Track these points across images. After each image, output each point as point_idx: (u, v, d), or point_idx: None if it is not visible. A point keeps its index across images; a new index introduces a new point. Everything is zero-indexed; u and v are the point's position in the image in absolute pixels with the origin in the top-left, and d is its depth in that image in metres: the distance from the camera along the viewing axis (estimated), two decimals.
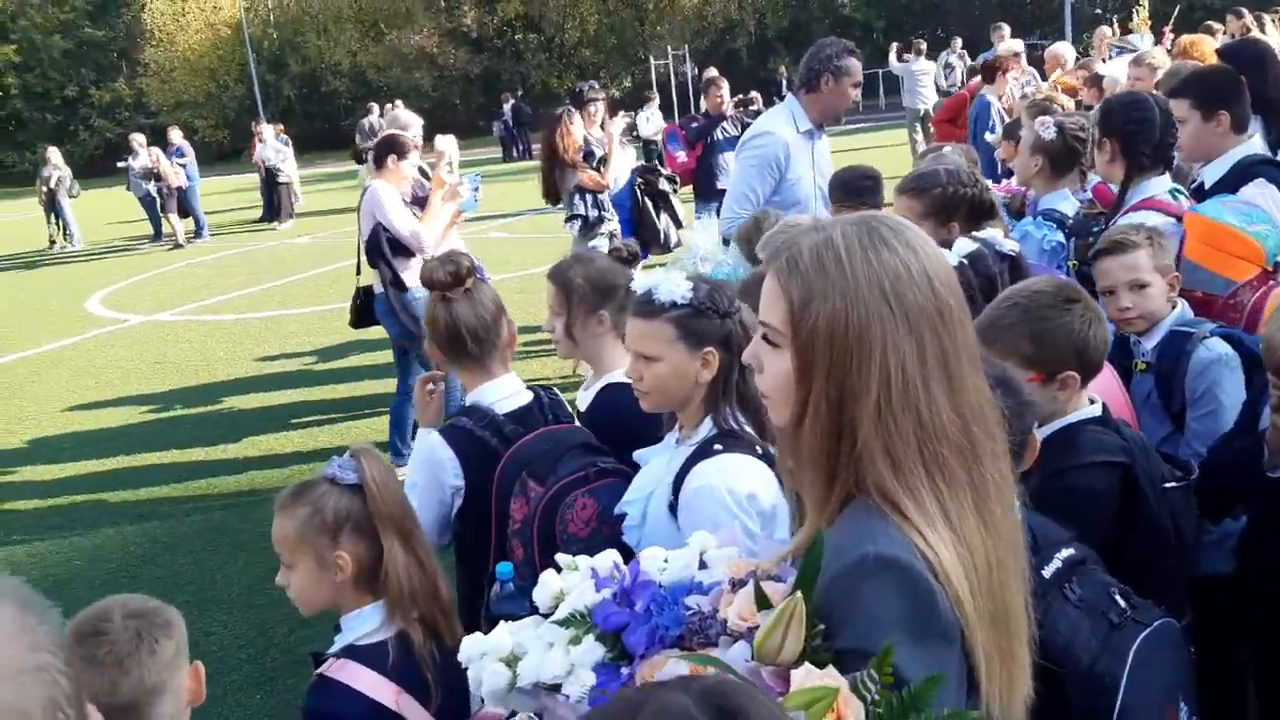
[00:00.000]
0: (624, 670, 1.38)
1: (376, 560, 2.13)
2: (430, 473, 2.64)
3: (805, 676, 1.15)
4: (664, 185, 7.47)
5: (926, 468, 1.23)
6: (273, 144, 19.53)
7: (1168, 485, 2.23)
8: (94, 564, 5.48)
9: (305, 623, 4.54)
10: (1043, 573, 1.85)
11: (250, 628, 4.65)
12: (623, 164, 7.45)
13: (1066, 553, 1.91)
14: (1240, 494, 2.48)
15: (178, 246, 17.79)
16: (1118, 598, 1.90)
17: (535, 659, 1.48)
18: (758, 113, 8.72)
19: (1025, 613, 1.32)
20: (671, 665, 1.28)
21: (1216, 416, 2.72)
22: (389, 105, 24.69)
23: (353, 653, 2.12)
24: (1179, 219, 3.31)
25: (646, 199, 7.39)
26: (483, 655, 1.53)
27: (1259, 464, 2.38)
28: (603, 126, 7.45)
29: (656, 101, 21.25)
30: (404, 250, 5.76)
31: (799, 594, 1.21)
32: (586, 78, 41.21)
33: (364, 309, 6.02)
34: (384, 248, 5.71)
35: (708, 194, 8.75)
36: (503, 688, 1.51)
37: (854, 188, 4.10)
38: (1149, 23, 8.89)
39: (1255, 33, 9.15)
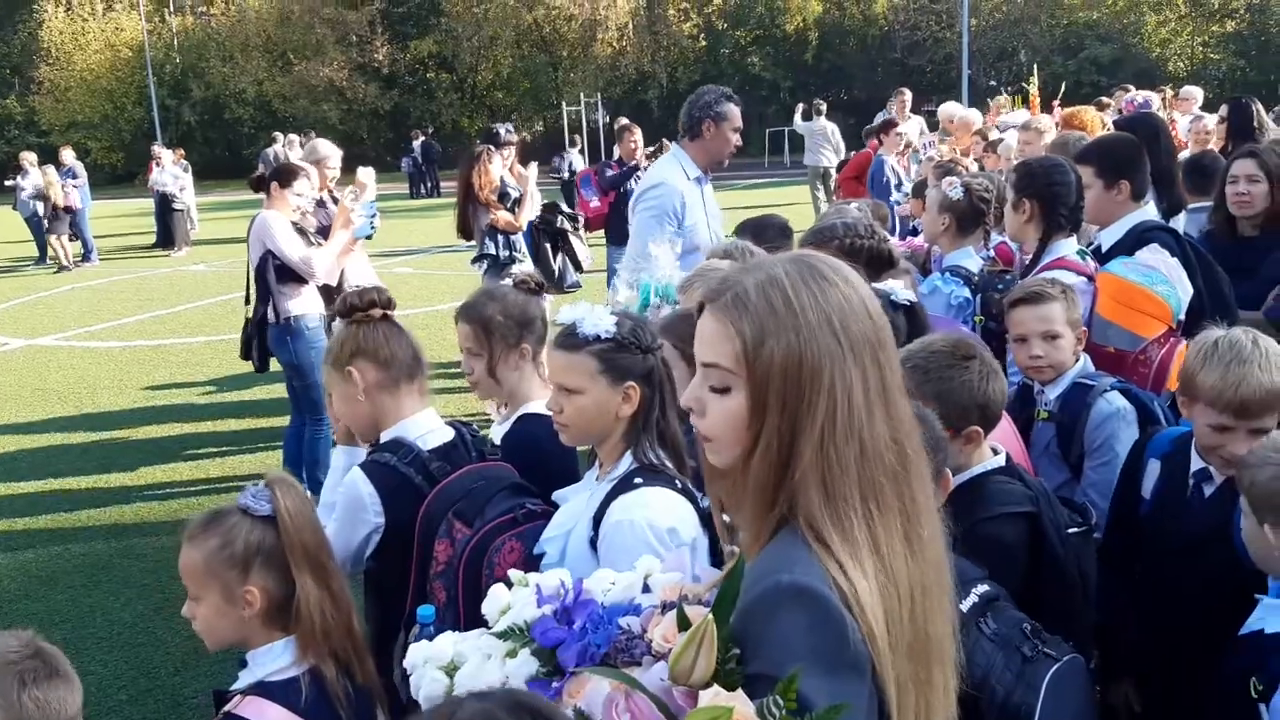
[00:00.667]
0: (554, 685, 1.39)
1: (288, 595, 2.04)
2: (350, 509, 2.54)
3: (713, 697, 1.17)
4: (563, 224, 7.50)
5: (862, 494, 1.25)
6: (170, 170, 19.03)
7: (1070, 530, 2.29)
8: None
9: (189, 663, 4.37)
10: (960, 607, 1.88)
11: (131, 667, 4.43)
12: (534, 208, 7.46)
13: (982, 589, 1.96)
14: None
15: (63, 269, 17.09)
16: (1029, 633, 1.95)
17: (472, 669, 1.50)
18: None
19: (951, 638, 1.35)
20: (594, 683, 1.30)
21: (1112, 466, 2.83)
22: (292, 135, 24.35)
23: (263, 689, 2.02)
24: (1089, 278, 3.45)
25: (544, 239, 7.42)
26: (425, 662, 1.54)
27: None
28: (512, 170, 7.47)
29: (579, 146, 21.42)
30: (292, 278, 5.65)
31: (710, 616, 1.23)
32: (498, 119, 41.27)
33: (254, 340, 5.86)
34: (269, 275, 5.59)
35: (620, 238, 8.80)
36: (439, 695, 1.52)
37: (764, 235, 4.18)
38: (1039, 94, 9.34)
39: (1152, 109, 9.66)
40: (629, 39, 40.04)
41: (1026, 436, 3.08)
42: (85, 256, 17.88)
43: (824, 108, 16.76)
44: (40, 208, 17.49)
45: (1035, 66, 12.44)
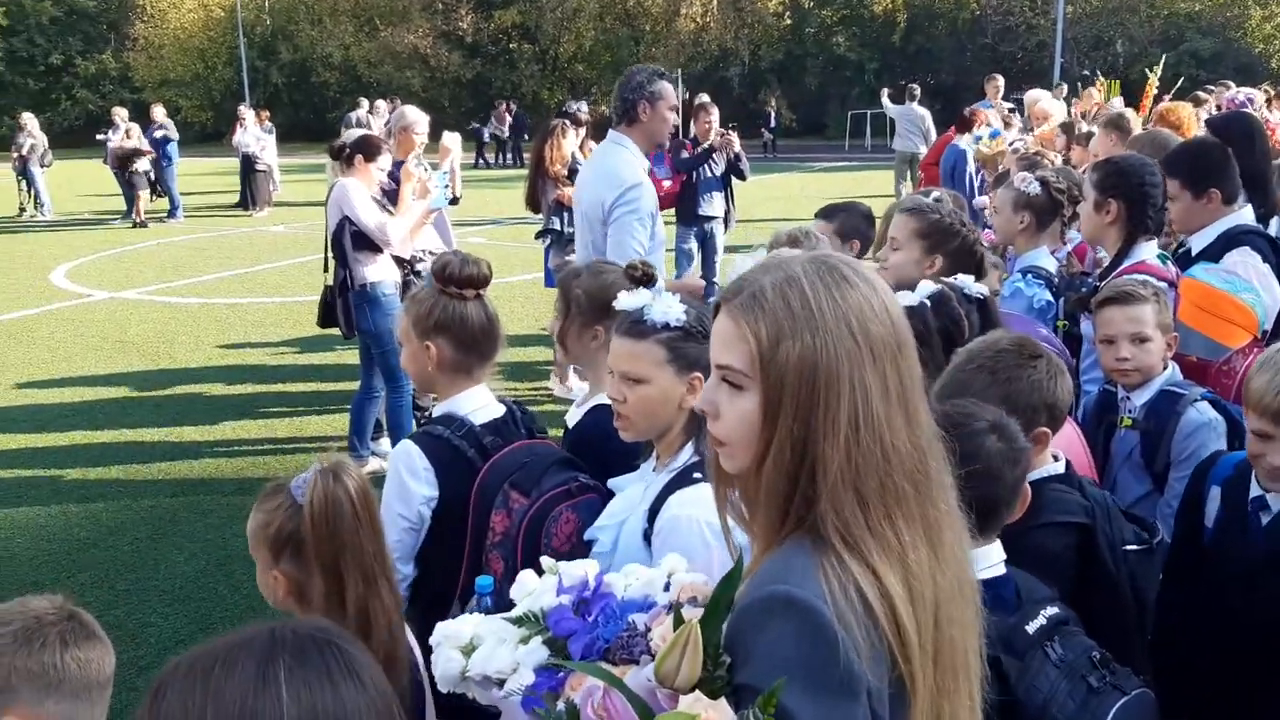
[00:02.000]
0: (560, 675, 1.40)
1: (328, 583, 1.99)
2: (401, 483, 2.54)
3: (692, 703, 1.17)
4: None
5: (885, 502, 1.23)
6: (253, 130, 19.34)
7: (1128, 548, 2.21)
8: (36, 543, 5.33)
9: (247, 620, 4.44)
10: (1026, 628, 1.84)
11: (190, 622, 4.53)
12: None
13: (1051, 611, 1.89)
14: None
15: (141, 225, 17.53)
16: (1097, 662, 1.88)
17: (486, 651, 1.51)
18: (736, 155, 8.72)
19: (976, 651, 1.33)
20: (589, 680, 1.30)
21: None
22: (380, 101, 24.60)
23: None
24: (1171, 284, 3.32)
25: None
26: (444, 640, 1.57)
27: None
28: (583, 147, 7.44)
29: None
30: (368, 245, 5.74)
31: (695, 622, 1.22)
32: (578, 92, 41.44)
33: (333, 307, 5.95)
34: (345, 242, 5.67)
35: (689, 219, 8.76)
36: (454, 675, 1.55)
37: (847, 221, 4.12)
38: (1154, 87, 9.00)
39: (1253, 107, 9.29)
40: (713, 14, 39.74)
41: (1108, 443, 2.99)
42: (171, 213, 18.33)
43: (917, 91, 16.39)
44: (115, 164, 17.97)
45: (1121, 63, 12.01)
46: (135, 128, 18.20)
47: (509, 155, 30.19)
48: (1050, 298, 3.63)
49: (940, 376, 2.38)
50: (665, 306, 2.12)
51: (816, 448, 1.23)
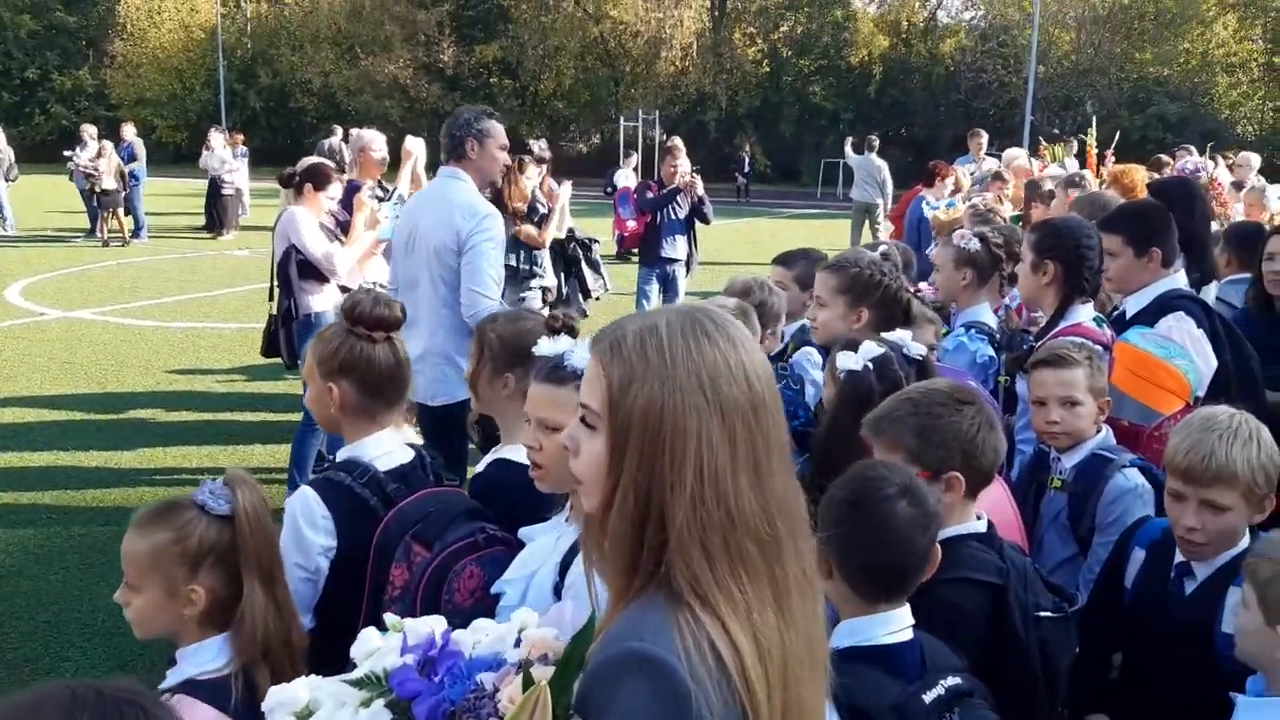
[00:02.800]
0: None
1: (232, 596, 2.01)
2: (299, 532, 2.43)
3: None
4: (575, 250, 7.48)
5: (731, 561, 1.23)
6: (220, 153, 19.20)
7: (1042, 614, 2.17)
8: None
9: (164, 657, 4.32)
10: (924, 697, 1.80)
11: (109, 656, 4.40)
12: (562, 226, 7.42)
13: (952, 681, 1.85)
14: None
15: (106, 244, 17.37)
16: None
17: (324, 716, 1.45)
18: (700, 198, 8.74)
19: (823, 714, 1.33)
20: None
21: None
22: (354, 130, 24.58)
23: (192, 687, 1.98)
24: (1105, 347, 3.32)
25: (558, 264, 7.41)
26: (278, 706, 1.49)
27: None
28: (542, 185, 7.45)
29: (635, 160, 21.42)
30: (314, 275, 5.70)
31: (544, 683, 1.21)
32: (558, 130, 41.71)
33: (277, 336, 5.87)
34: (291, 271, 5.61)
35: (651, 260, 8.77)
36: None
37: (799, 267, 4.11)
38: (1094, 149, 9.14)
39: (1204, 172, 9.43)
40: (692, 59, 40.15)
41: (1039, 503, 2.98)
42: (135, 233, 18.14)
43: (876, 143, 16.57)
44: (85, 182, 17.79)
45: (1095, 119, 12.22)
46: (109, 145, 18.03)
47: None
48: (992, 353, 3.63)
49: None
50: (585, 353, 2.07)
51: (662, 497, 1.23)
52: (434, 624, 1.50)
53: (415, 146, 6.57)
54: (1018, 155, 10.47)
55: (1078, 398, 2.87)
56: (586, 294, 7.50)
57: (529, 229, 6.97)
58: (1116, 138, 9.54)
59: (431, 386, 4.33)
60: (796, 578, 1.29)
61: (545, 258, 7.09)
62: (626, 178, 19.50)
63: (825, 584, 1.92)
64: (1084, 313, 3.45)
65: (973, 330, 3.73)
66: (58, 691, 1.01)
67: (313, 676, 1.51)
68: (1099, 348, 3.28)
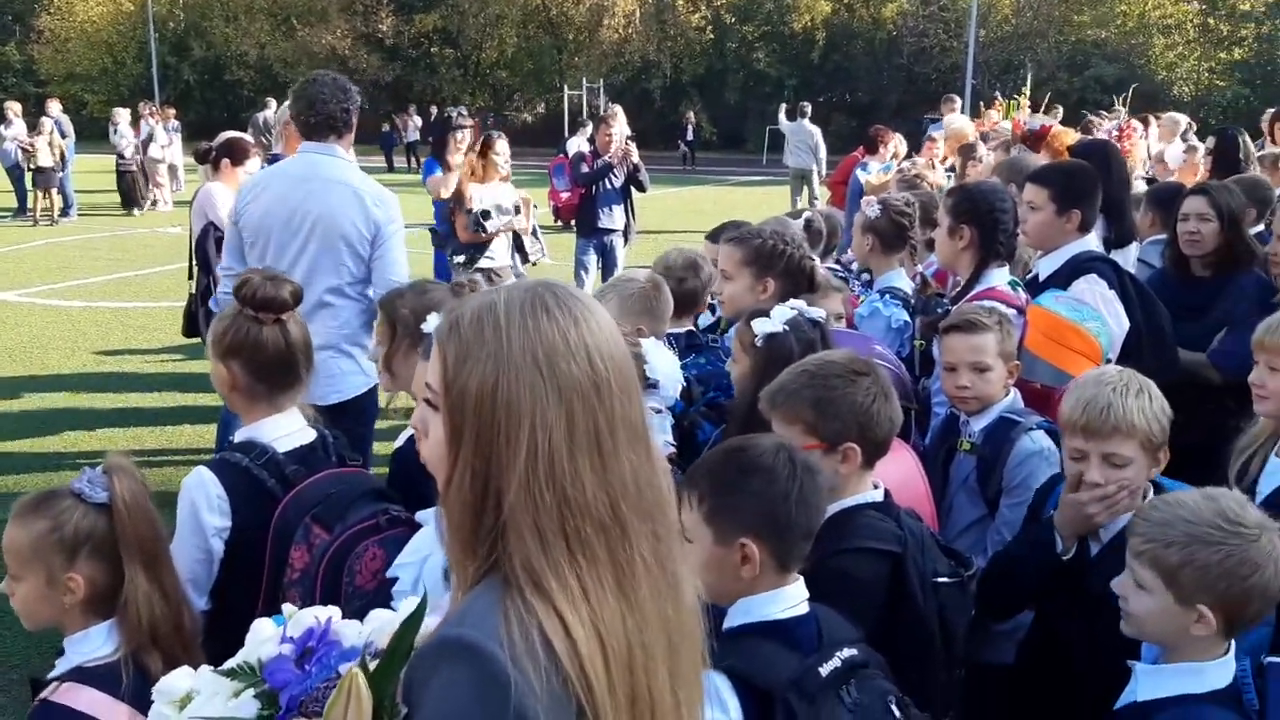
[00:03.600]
0: None
1: (114, 584, 2.01)
2: (193, 512, 2.39)
3: None
4: None
5: (568, 544, 1.19)
6: (124, 130, 18.59)
7: (939, 580, 2.18)
8: None
9: (49, 649, 4.23)
10: (820, 670, 1.78)
11: (24, 640, 4.29)
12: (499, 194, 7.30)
13: (848, 653, 1.84)
14: (1028, 587, 2.47)
15: (38, 223, 16.92)
16: (894, 707, 1.84)
17: (196, 706, 1.43)
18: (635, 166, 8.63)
19: (674, 701, 1.27)
20: None
21: (1026, 507, 2.71)
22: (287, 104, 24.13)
23: (80, 674, 1.98)
24: (1019, 310, 3.33)
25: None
26: (158, 694, 1.48)
27: (1048, 554, 2.38)
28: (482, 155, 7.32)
29: (589, 131, 21.16)
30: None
31: (355, 671, 1.18)
32: (500, 99, 41.25)
33: (197, 315, 5.75)
34: (209, 248, 5.48)
35: (588, 231, 8.68)
36: None
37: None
38: (1026, 106, 9.22)
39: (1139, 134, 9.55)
40: (635, 27, 39.81)
41: (948, 466, 2.99)
42: (64, 211, 17.68)
43: (808, 109, 16.60)
44: (21, 158, 17.30)
45: (1029, 80, 12.31)
46: (48, 121, 17.51)
47: (417, 160, 29.77)
48: (907, 318, 3.64)
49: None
50: None
51: (498, 480, 1.19)
52: (324, 614, 1.47)
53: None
54: (956, 120, 10.51)
55: (987, 363, 2.88)
56: (525, 259, 7.39)
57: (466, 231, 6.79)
58: (1024, 97, 9.64)
59: (321, 386, 3.71)
60: (648, 563, 1.24)
61: (499, 242, 6.98)
62: (580, 146, 19.30)
63: (704, 560, 1.89)
64: (999, 276, 3.47)
65: (887, 296, 3.76)
66: None
67: (198, 667, 1.49)
68: (1011, 311, 3.30)
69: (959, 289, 3.53)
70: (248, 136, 6.07)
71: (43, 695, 1.95)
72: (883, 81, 37.52)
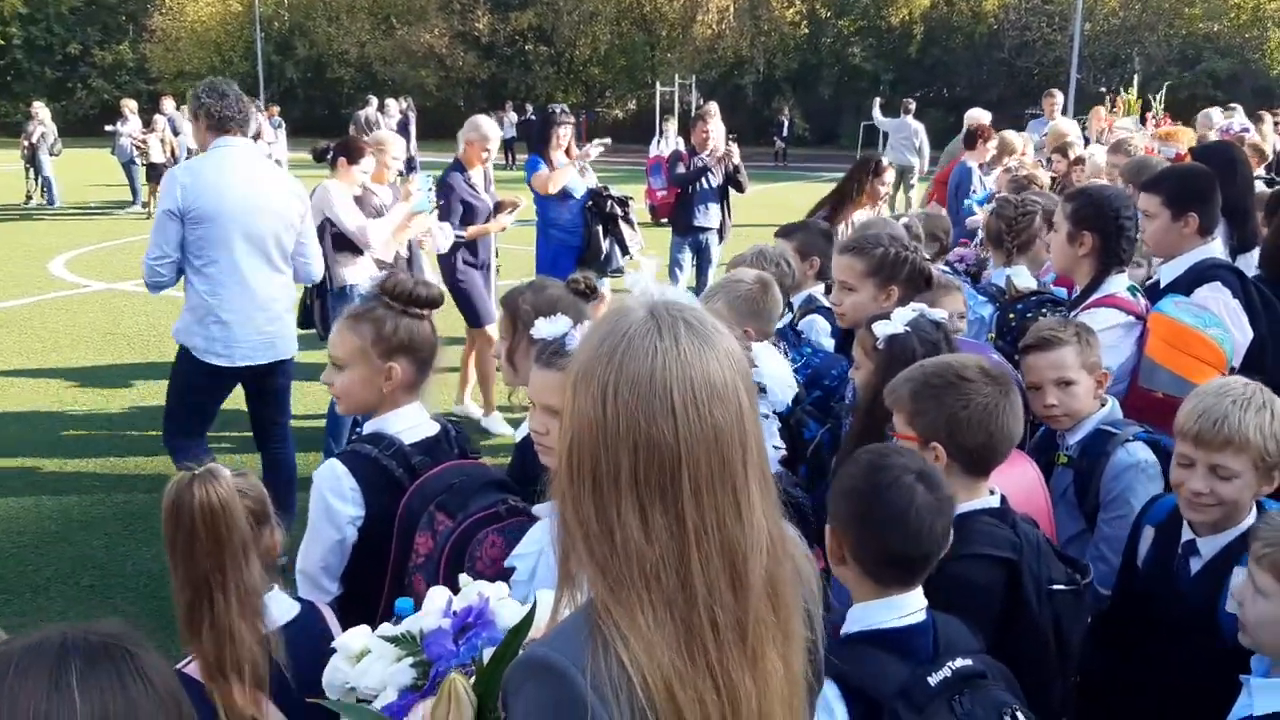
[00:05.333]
0: (413, 700, 1.42)
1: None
2: (326, 503, 2.49)
3: None
4: (613, 208, 7.40)
5: (636, 591, 1.16)
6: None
7: (1055, 587, 2.16)
8: (7, 535, 5.33)
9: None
10: (929, 680, 1.78)
11: (151, 617, 4.50)
12: (581, 184, 7.37)
13: (961, 663, 1.82)
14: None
15: (151, 215, 17.59)
16: (1008, 717, 1.82)
17: (364, 666, 1.53)
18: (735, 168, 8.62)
19: None
20: (411, 714, 1.34)
21: (1125, 522, 2.67)
22: (389, 100, 24.65)
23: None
24: (1139, 317, 3.27)
25: (595, 221, 7.34)
26: (339, 649, 1.60)
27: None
28: (568, 153, 7.40)
29: (671, 129, 21.28)
30: (348, 247, 5.82)
31: (453, 677, 1.25)
32: (593, 96, 41.52)
33: (312, 308, 5.96)
34: (325, 243, 5.69)
35: (684, 230, 8.68)
36: (338, 684, 1.56)
37: (804, 241, 4.10)
38: (1137, 104, 8.93)
39: (1253, 131, 9.20)
40: (729, 22, 39.69)
41: (1048, 480, 2.93)
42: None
43: (912, 106, 16.29)
44: (135, 154, 18.01)
45: (1138, 75, 11.90)
46: (161, 119, 18.18)
47: (513, 156, 30.09)
48: (984, 314, 3.61)
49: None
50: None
51: (576, 510, 1.19)
52: (489, 590, 1.54)
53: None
54: (1057, 124, 10.25)
55: (1070, 377, 2.82)
56: (625, 251, 7.42)
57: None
58: (1162, 96, 9.29)
59: (288, 342, 4.96)
60: (720, 630, 1.18)
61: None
62: (662, 149, 19.34)
63: (837, 569, 1.92)
64: (1118, 283, 3.39)
65: (976, 291, 3.74)
66: (52, 636, 1.07)
67: (385, 625, 1.60)
68: (1131, 317, 3.24)
69: (1076, 296, 3.47)
70: (364, 137, 6.26)
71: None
72: (982, 76, 36.75)
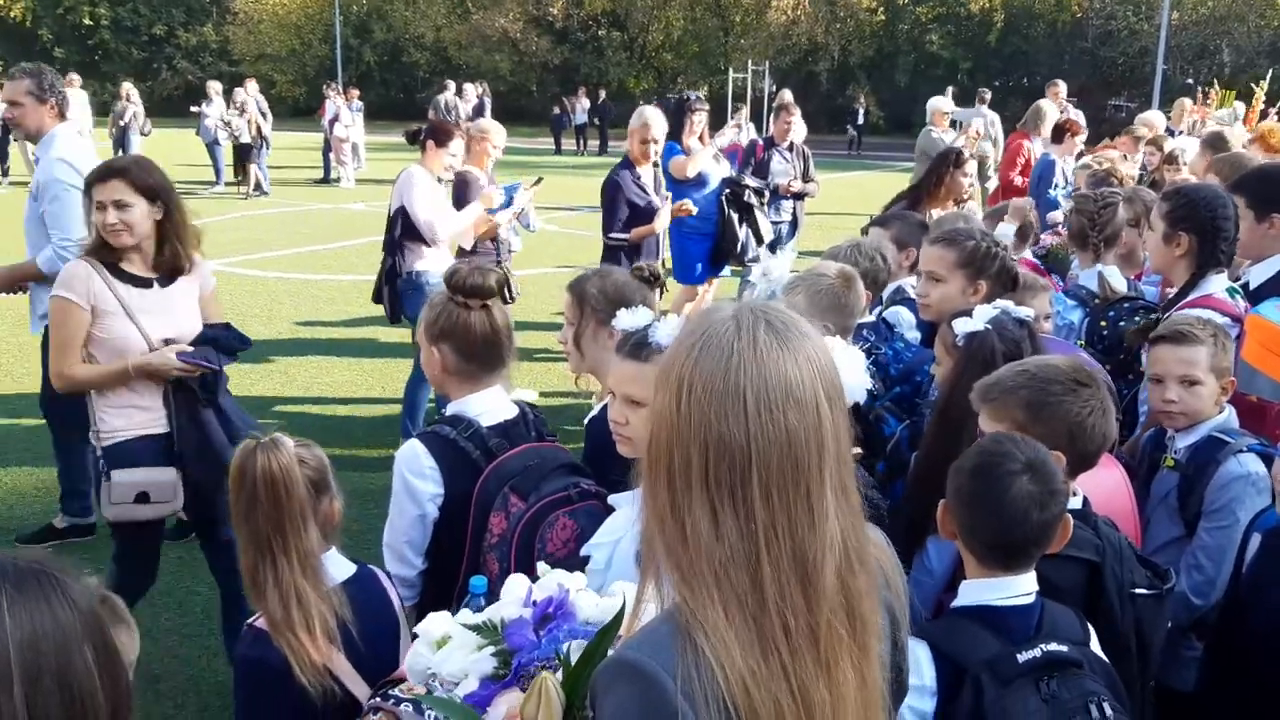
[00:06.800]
0: (495, 689, 1.45)
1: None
2: (406, 481, 2.59)
3: None
4: (750, 197, 7.37)
5: (711, 592, 1.17)
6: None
7: (1136, 592, 2.16)
8: None
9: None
10: (1017, 657, 1.83)
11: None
12: (714, 174, 7.32)
13: (1054, 647, 1.86)
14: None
15: (249, 196, 18.09)
16: (1093, 709, 1.84)
17: (445, 654, 1.56)
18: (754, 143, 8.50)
19: None
20: (494, 705, 1.36)
21: (1228, 532, 2.63)
22: (466, 84, 24.83)
23: None
24: (1236, 319, 3.20)
25: (731, 210, 7.31)
26: (421, 635, 1.63)
27: None
28: (701, 139, 7.38)
29: (746, 113, 21.15)
30: (418, 235, 5.85)
31: (544, 676, 1.27)
32: (665, 81, 41.37)
33: (383, 290, 6.07)
34: (397, 229, 5.79)
35: None
36: (420, 670, 1.59)
37: (900, 232, 4.07)
38: (1260, 101, 8.61)
39: None
40: (804, 8, 39.29)
41: (1151, 480, 2.90)
42: (258, 186, 18.77)
43: (988, 95, 16.02)
44: (222, 135, 18.43)
45: (1227, 70, 11.56)
46: (252, 102, 18.57)
47: (585, 142, 30.14)
48: (1074, 320, 3.54)
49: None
50: (670, 328, 2.09)
51: (653, 506, 1.21)
52: (569, 580, 1.57)
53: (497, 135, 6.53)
54: (1146, 117, 10.02)
55: (1198, 377, 2.76)
56: (760, 240, 7.41)
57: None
58: (1265, 85, 8.97)
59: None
60: (792, 635, 1.17)
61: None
62: (735, 136, 19.19)
63: (945, 547, 2.01)
64: (1217, 283, 3.32)
65: (1064, 294, 3.68)
66: None
67: (459, 612, 1.64)
68: (1229, 320, 3.17)
69: (1173, 295, 3.40)
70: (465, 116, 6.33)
71: (250, 621, 2.20)
72: (1064, 65, 35.88)
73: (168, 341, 3.42)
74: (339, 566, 2.31)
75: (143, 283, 3.43)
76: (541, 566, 1.68)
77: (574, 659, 1.38)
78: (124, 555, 3.65)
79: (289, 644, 2.10)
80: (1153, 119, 9.32)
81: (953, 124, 11.99)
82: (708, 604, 1.15)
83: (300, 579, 2.15)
